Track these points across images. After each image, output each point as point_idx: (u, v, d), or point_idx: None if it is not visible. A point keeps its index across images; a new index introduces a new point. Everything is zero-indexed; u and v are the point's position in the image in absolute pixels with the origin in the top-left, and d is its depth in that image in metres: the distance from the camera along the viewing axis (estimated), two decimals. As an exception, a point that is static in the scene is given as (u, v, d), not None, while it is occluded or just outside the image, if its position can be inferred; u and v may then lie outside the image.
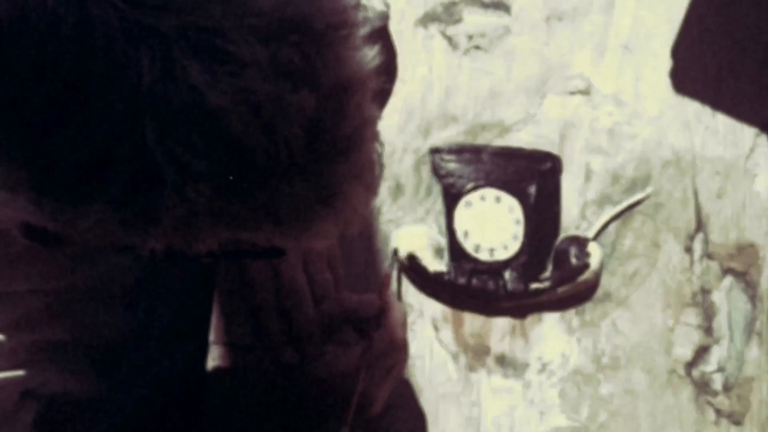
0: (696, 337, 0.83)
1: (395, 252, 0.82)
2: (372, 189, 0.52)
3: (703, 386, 0.82)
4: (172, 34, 0.41)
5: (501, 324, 0.83)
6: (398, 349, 0.75)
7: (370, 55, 0.49)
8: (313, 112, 0.44)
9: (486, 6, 0.91)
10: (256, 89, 0.42)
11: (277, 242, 0.50)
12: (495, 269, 0.83)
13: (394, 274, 0.83)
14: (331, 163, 0.47)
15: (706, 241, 0.85)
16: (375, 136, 0.51)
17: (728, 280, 0.84)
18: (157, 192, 0.43)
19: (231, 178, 0.44)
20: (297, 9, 0.43)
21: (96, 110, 0.41)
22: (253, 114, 0.42)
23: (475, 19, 0.91)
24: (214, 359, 0.80)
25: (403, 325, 0.76)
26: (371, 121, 0.49)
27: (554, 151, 0.87)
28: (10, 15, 0.40)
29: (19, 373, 0.65)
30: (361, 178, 0.49)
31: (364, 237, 0.85)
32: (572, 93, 0.88)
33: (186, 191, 0.43)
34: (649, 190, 0.86)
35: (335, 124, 0.46)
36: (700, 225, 0.85)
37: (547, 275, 0.83)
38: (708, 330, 0.83)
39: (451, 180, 0.85)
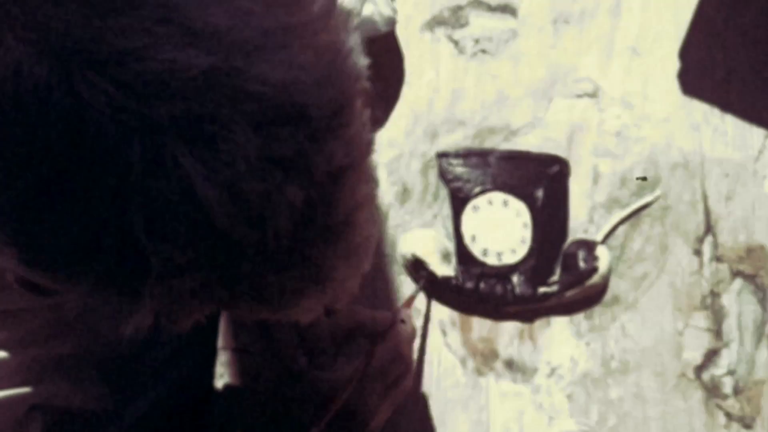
0: (706, 341, 0.82)
1: (422, 284, 0.82)
2: (364, 267, 0.50)
3: (713, 390, 0.81)
4: (165, 122, 0.39)
5: (509, 328, 0.83)
6: (401, 365, 0.74)
7: (368, 129, 0.47)
8: (303, 203, 0.43)
9: (492, 9, 0.91)
10: (246, 183, 0.41)
11: (262, 316, 0.50)
12: (503, 273, 0.83)
13: (421, 297, 0.83)
14: (321, 248, 0.46)
15: (715, 244, 0.84)
16: (370, 215, 0.49)
17: (738, 282, 0.83)
18: (142, 279, 0.42)
19: (217, 270, 0.43)
20: (295, 97, 0.42)
21: (83, 196, 0.40)
22: (242, 208, 0.41)
23: (481, 23, 0.90)
24: (222, 365, 0.80)
25: (410, 342, 0.76)
26: (366, 202, 0.48)
27: (562, 154, 0.86)
28: (2, 97, 0.39)
29: (26, 389, 0.65)
30: (354, 257, 0.48)
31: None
32: (580, 96, 0.88)
33: (171, 281, 0.42)
34: (657, 192, 0.86)
35: (327, 211, 0.45)
36: (709, 227, 0.85)
37: (555, 279, 0.83)
38: (718, 333, 0.83)
39: (458, 184, 0.85)
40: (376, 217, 0.50)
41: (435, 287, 0.83)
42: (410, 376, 0.76)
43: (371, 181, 0.48)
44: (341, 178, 0.44)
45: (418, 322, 0.83)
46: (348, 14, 0.48)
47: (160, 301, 0.44)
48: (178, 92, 0.39)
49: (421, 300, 0.83)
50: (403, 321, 0.76)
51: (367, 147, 0.47)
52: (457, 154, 0.86)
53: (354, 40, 0.47)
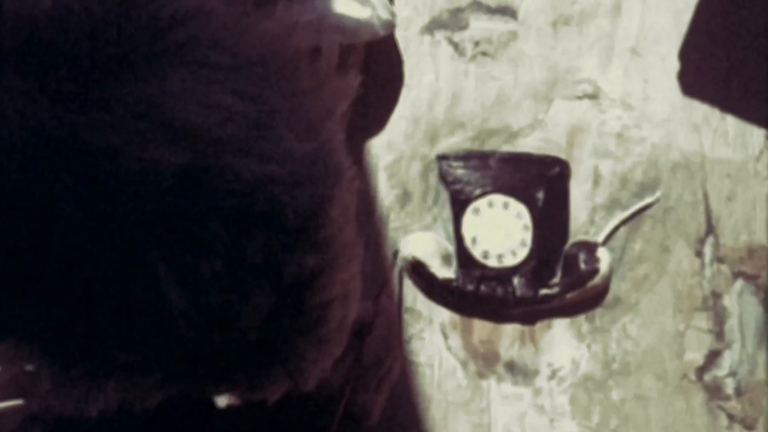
0: (707, 342, 0.82)
1: (395, 254, 0.82)
2: (336, 351, 0.49)
3: (715, 391, 0.81)
4: (136, 223, 0.38)
5: (510, 330, 0.83)
6: (391, 353, 0.74)
7: (349, 227, 0.46)
8: (272, 307, 0.42)
9: (492, 12, 0.91)
10: (215, 293, 0.40)
11: (228, 395, 0.49)
12: (504, 275, 0.83)
13: (396, 276, 0.82)
14: (291, 341, 0.45)
15: (716, 245, 0.84)
16: (345, 304, 0.47)
17: (739, 283, 0.83)
18: (106, 373, 0.42)
19: (181, 370, 0.42)
20: (270, 196, 0.40)
21: (50, 294, 0.40)
22: (209, 316, 0.40)
23: (481, 25, 0.90)
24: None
25: (397, 324, 0.75)
26: (340, 296, 0.46)
27: (562, 155, 0.86)
28: None
29: (19, 402, 0.65)
30: (325, 345, 0.47)
31: (372, 244, 0.85)
32: (580, 97, 0.88)
33: (135, 378, 0.42)
34: (658, 193, 0.85)
35: (296, 312, 0.44)
36: (711, 228, 0.85)
37: (556, 281, 0.83)
38: (719, 334, 0.82)
39: (458, 186, 0.85)
40: (351, 300, 0.48)
41: (436, 290, 0.83)
42: (398, 365, 0.76)
43: (347, 271, 0.47)
44: (313, 281, 0.43)
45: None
46: (337, 102, 0.46)
47: (124, 393, 0.43)
48: (152, 192, 0.38)
49: (441, 315, 0.83)
50: (382, 308, 0.75)
51: (343, 248, 0.45)
52: (458, 157, 0.86)
53: (340, 137, 0.45)
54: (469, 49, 0.90)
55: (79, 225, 0.38)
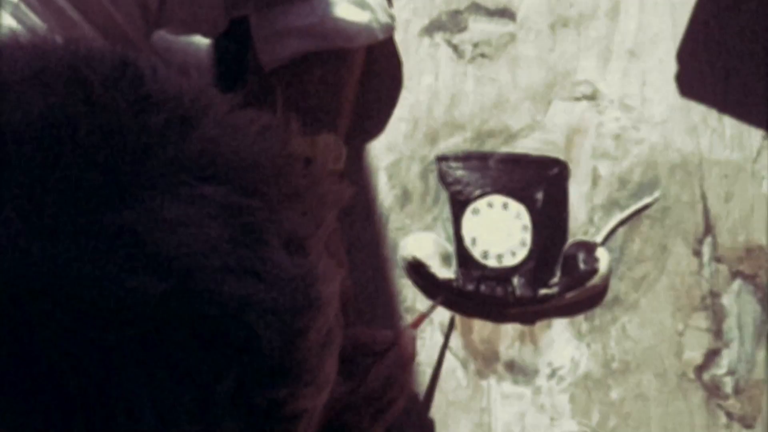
0: (706, 341, 0.83)
1: (434, 305, 0.81)
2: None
3: (713, 390, 0.82)
4: (114, 348, 0.38)
5: (510, 330, 0.84)
6: (395, 389, 0.73)
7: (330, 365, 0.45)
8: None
9: (491, 13, 0.91)
10: (185, 420, 0.40)
11: None
12: (503, 276, 0.83)
13: (445, 325, 0.83)
14: None
15: (714, 245, 0.85)
16: (309, 427, 0.47)
17: (737, 283, 0.84)
18: None
19: None
20: (245, 328, 0.40)
21: (23, 417, 0.39)
22: None
23: (480, 27, 0.91)
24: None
25: (407, 365, 0.74)
26: (307, 419, 0.45)
27: (561, 156, 0.87)
28: None
29: None
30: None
31: (373, 245, 0.86)
32: (578, 99, 0.89)
33: None
34: (656, 194, 0.86)
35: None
36: (709, 228, 0.85)
37: (555, 281, 0.83)
38: (718, 333, 0.83)
39: (458, 187, 0.86)
40: (316, 418, 0.48)
41: (435, 290, 0.84)
42: (403, 400, 0.75)
43: (319, 398, 0.46)
44: (284, 406, 0.43)
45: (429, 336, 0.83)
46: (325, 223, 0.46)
47: None
48: (132, 319, 0.38)
49: (441, 314, 0.83)
50: (403, 341, 0.75)
51: (317, 378, 0.44)
52: (457, 158, 0.87)
53: (327, 262, 0.45)
54: (468, 51, 0.90)
55: (54, 350, 0.38)
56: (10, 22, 0.61)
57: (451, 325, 0.83)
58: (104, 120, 0.40)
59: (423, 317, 0.80)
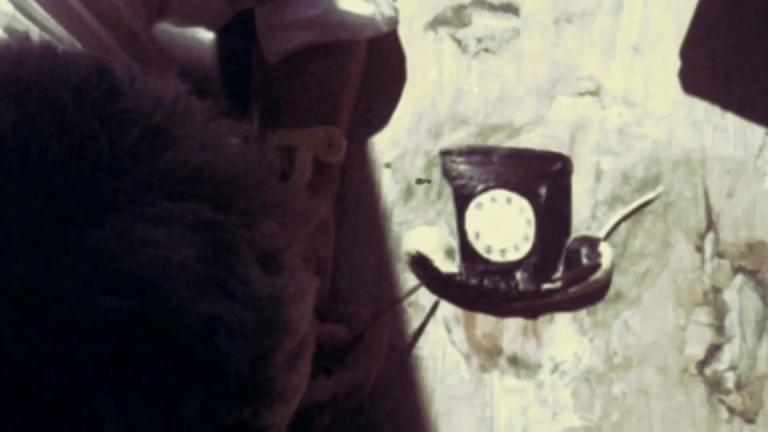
0: (708, 336, 0.83)
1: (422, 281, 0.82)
2: None
3: (715, 385, 0.82)
4: (82, 364, 0.39)
5: (513, 325, 0.84)
6: (357, 397, 0.74)
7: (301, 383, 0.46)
8: None
9: (495, 9, 0.91)
10: None
11: None
12: (506, 270, 0.84)
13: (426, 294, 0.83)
14: None
15: (716, 240, 0.85)
16: None
17: (739, 278, 0.84)
18: None
19: None
20: (211, 348, 0.40)
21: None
22: None
23: (484, 22, 0.91)
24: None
25: (373, 372, 0.75)
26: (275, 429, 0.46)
27: (564, 152, 0.87)
28: None
29: None
30: None
31: (376, 240, 0.86)
32: (582, 94, 0.89)
33: None
34: (659, 189, 0.86)
35: None
36: (711, 224, 0.85)
37: (558, 275, 0.84)
38: (720, 329, 0.83)
39: (461, 182, 0.86)
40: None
41: (439, 284, 0.84)
42: (368, 388, 0.76)
43: (288, 409, 0.46)
44: (251, 423, 0.43)
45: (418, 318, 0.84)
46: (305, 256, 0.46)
47: None
48: (100, 336, 0.38)
49: (444, 308, 0.84)
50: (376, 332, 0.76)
51: (285, 393, 0.44)
52: (461, 152, 0.87)
53: (302, 279, 0.45)
54: (472, 46, 0.91)
55: (25, 367, 0.38)
56: (8, 8, 0.61)
57: (434, 307, 0.84)
58: (75, 140, 0.40)
59: (399, 301, 0.80)
